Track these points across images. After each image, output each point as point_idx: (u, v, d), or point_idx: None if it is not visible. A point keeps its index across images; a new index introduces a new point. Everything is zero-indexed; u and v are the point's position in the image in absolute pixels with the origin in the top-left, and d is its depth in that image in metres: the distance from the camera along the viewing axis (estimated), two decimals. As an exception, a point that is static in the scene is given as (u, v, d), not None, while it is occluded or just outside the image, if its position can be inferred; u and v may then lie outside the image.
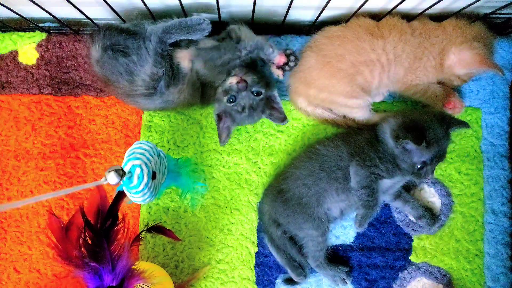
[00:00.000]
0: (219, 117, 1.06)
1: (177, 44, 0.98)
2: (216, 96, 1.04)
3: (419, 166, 0.95)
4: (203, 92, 1.04)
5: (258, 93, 1.02)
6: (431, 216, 1.07)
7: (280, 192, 1.04)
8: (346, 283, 1.06)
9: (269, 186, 1.10)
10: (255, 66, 1.09)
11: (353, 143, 1.01)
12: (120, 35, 0.95)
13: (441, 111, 1.02)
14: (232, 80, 1.00)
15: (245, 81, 0.99)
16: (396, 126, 0.95)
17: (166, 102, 1.02)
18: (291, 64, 1.06)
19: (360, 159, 0.98)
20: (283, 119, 1.07)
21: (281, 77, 1.06)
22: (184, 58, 0.99)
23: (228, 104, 1.02)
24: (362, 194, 0.98)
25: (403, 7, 1.00)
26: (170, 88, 0.99)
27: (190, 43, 0.99)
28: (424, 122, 0.94)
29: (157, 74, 0.95)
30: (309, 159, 1.03)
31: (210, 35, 1.01)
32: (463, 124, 0.98)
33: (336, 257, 1.10)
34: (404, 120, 0.96)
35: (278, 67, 1.05)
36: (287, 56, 1.05)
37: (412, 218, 1.10)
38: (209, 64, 1.00)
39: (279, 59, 1.03)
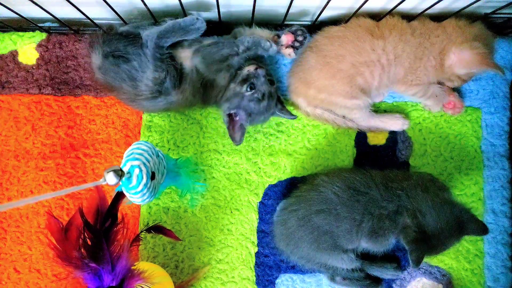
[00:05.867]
0: (230, 117, 1.04)
1: (179, 44, 0.98)
2: (228, 94, 1.02)
3: None
4: (204, 92, 1.04)
5: (272, 82, 1.02)
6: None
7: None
8: None
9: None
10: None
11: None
12: (120, 42, 0.95)
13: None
14: (250, 68, 1.00)
15: (262, 67, 1.00)
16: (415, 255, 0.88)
17: (170, 103, 1.01)
18: (300, 38, 1.01)
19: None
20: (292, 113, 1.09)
21: (292, 56, 1.03)
22: (186, 58, 0.99)
23: (248, 93, 1.00)
24: None
25: (403, 7, 1.00)
26: (175, 88, 0.98)
27: (193, 41, 0.99)
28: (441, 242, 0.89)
29: (159, 78, 0.95)
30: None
31: (210, 35, 1.01)
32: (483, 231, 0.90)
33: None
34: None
35: (287, 47, 1.02)
36: (294, 33, 1.01)
37: None
38: (207, 59, 0.98)
39: (287, 38, 1.01)
